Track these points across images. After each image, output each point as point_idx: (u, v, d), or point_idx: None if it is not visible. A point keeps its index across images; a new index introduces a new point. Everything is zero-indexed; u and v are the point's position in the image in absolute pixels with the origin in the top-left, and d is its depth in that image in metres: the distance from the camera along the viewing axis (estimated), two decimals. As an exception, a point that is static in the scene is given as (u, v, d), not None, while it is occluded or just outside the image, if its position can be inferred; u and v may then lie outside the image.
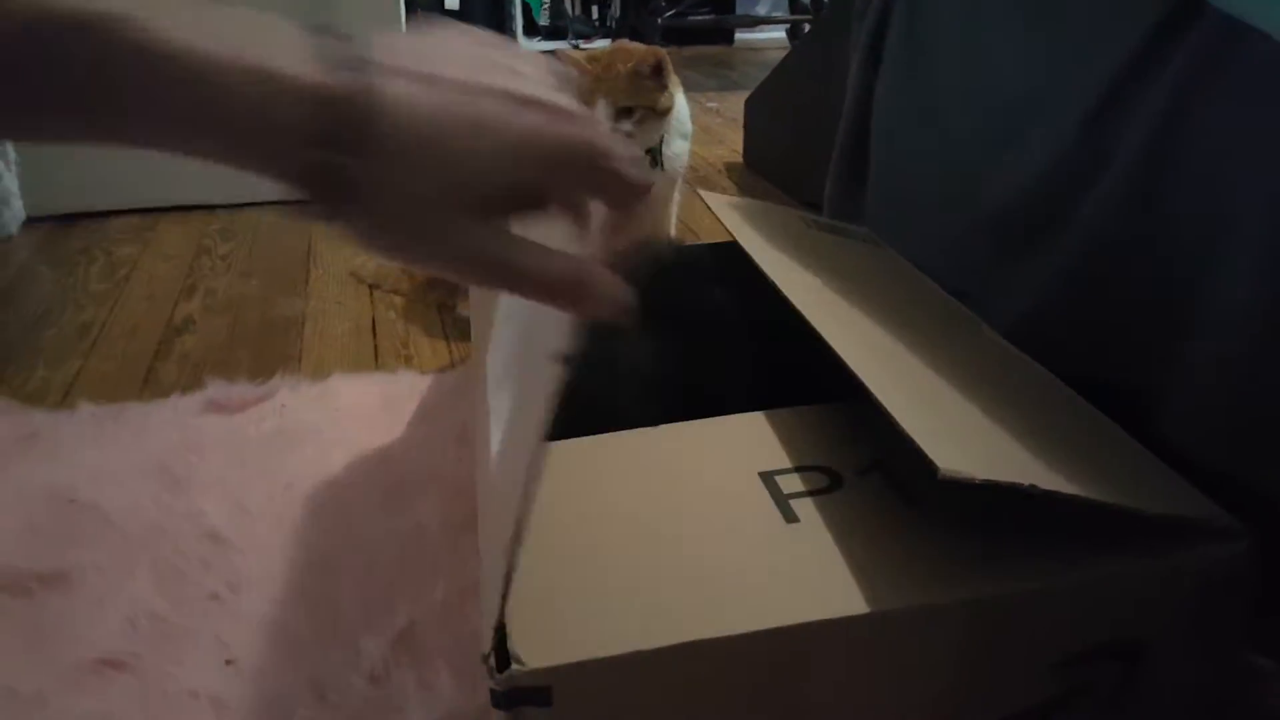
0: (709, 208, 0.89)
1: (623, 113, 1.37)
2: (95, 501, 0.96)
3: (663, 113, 1.41)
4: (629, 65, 1.37)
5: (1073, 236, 0.80)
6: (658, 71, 1.39)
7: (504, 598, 0.53)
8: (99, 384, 1.30)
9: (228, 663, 0.77)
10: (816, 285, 0.77)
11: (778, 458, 0.64)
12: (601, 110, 1.36)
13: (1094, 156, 0.77)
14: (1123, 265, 0.76)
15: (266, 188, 0.37)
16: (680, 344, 0.79)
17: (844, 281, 0.79)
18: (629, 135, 1.39)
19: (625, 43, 1.44)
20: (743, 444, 0.66)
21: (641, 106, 1.39)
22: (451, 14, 3.75)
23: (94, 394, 1.25)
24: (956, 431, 0.58)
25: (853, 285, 0.79)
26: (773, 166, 2.33)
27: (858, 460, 0.64)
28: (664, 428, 0.67)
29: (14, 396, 1.25)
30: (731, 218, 0.87)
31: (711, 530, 0.58)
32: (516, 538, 0.52)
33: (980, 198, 0.91)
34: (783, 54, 2.42)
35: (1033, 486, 0.52)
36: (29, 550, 0.89)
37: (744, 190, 2.26)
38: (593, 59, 1.38)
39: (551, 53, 1.31)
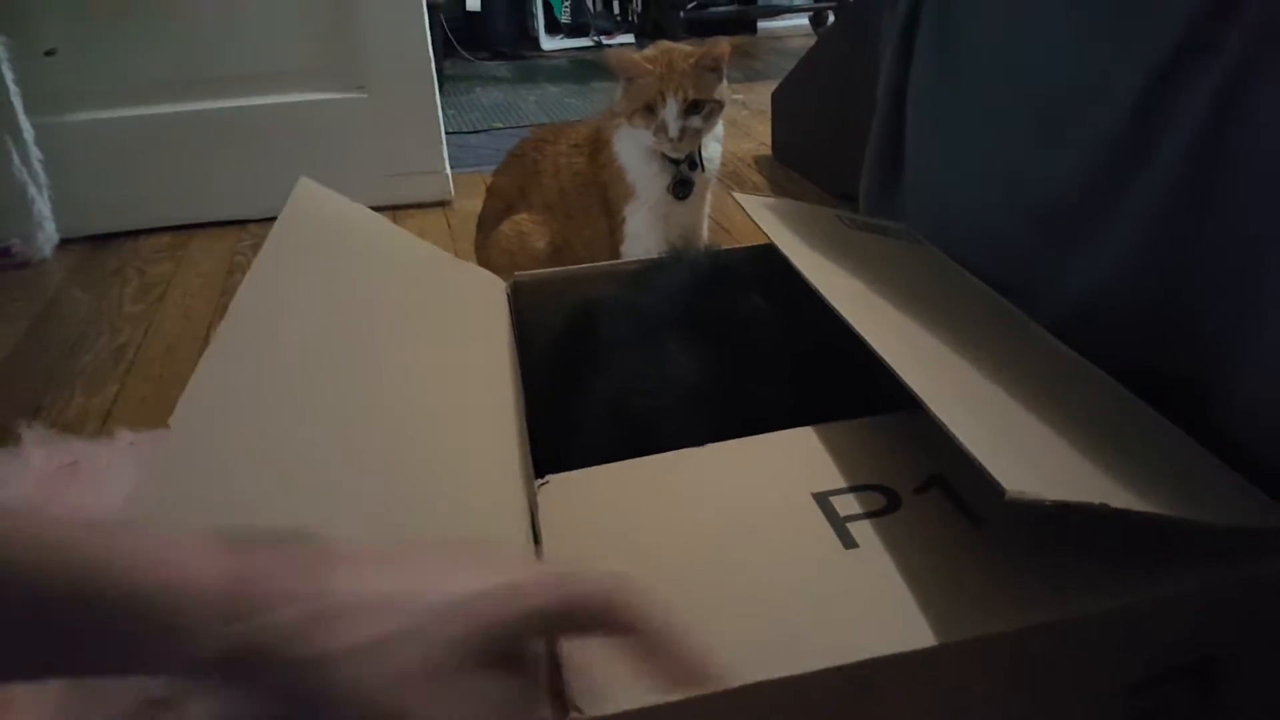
0: (745, 211, 0.87)
1: (692, 107, 1.35)
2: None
3: (723, 105, 1.40)
4: (692, 60, 1.35)
5: (1125, 226, 0.77)
6: (720, 62, 1.37)
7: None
8: (136, 409, 1.30)
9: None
10: (860, 289, 0.74)
11: (831, 477, 0.62)
12: (671, 108, 1.33)
13: (1146, 143, 0.74)
14: (1178, 255, 0.73)
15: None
16: (722, 356, 0.77)
17: (886, 283, 0.76)
18: (698, 131, 1.37)
19: (666, 43, 1.41)
20: (793, 463, 0.64)
21: (709, 100, 1.37)
22: (473, 15, 3.74)
23: (132, 419, 1.25)
24: (1018, 445, 0.56)
25: (896, 287, 0.76)
26: (803, 159, 2.30)
27: (915, 476, 0.62)
28: (709, 448, 0.65)
29: (53, 424, 1.25)
30: (768, 220, 0.85)
31: (767, 559, 0.56)
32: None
33: (1025, 189, 0.88)
34: (807, 42, 2.39)
35: (1104, 505, 0.49)
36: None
37: (774, 184, 2.23)
38: (650, 58, 1.36)
39: (599, 48, 1.29)
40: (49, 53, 1.86)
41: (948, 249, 0.93)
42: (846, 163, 1.35)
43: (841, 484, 0.61)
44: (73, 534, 0.35)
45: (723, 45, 1.36)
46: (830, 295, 0.68)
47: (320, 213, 0.81)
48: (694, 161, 1.40)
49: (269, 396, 0.61)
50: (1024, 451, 0.54)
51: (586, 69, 3.57)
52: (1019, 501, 0.47)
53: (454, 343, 0.79)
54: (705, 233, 1.51)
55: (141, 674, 0.37)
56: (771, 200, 0.95)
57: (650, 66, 1.34)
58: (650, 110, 1.34)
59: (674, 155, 1.37)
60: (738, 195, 0.90)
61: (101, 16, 1.88)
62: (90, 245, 1.93)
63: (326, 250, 0.78)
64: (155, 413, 1.27)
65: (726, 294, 0.84)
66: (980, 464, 0.48)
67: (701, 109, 1.36)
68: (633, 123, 1.35)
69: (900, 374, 0.57)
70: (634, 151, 1.37)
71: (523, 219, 1.39)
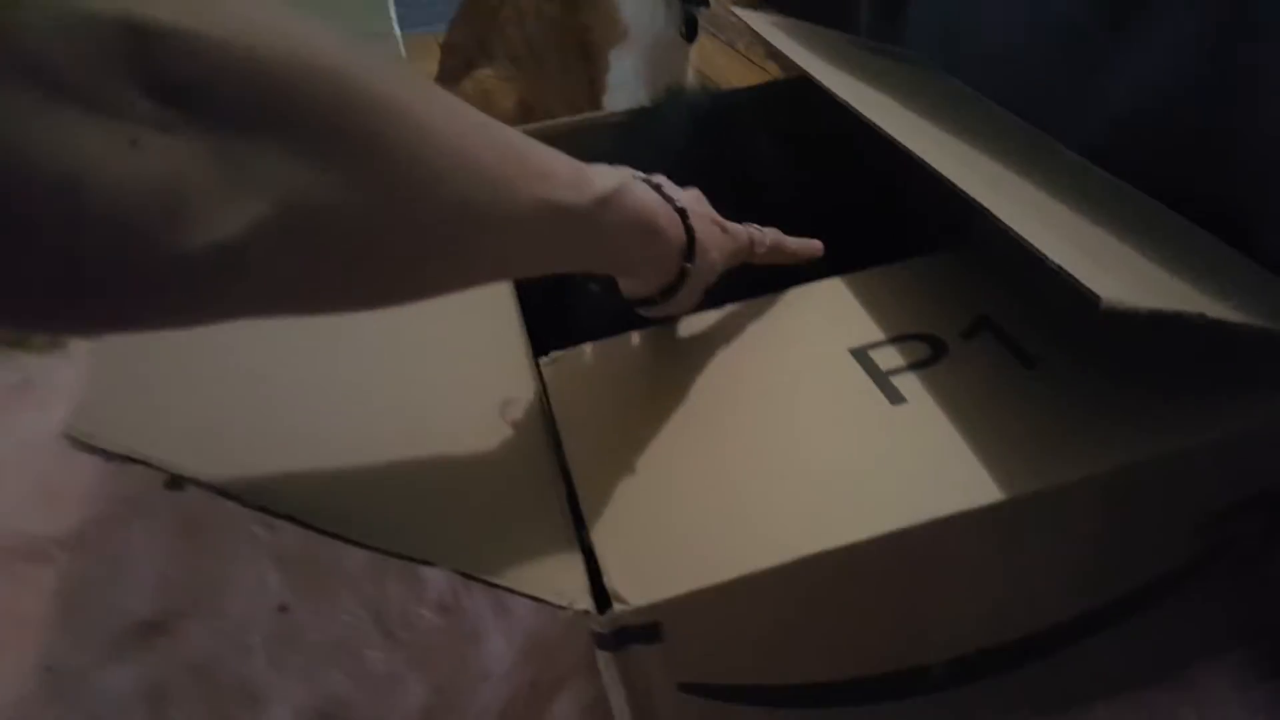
0: (752, 29, 0.78)
1: None
2: (102, 448, 0.88)
3: None
4: None
5: (1161, 43, 0.69)
6: None
7: (582, 528, 0.46)
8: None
9: (282, 609, 0.70)
10: (895, 108, 0.66)
11: (867, 330, 0.56)
12: None
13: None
14: (1219, 70, 0.65)
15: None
16: (733, 206, 0.70)
17: (917, 105, 0.68)
18: None
19: None
20: (824, 318, 0.58)
21: None
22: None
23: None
24: (1095, 256, 0.48)
25: (928, 109, 0.68)
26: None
27: (959, 321, 0.56)
28: (728, 310, 0.59)
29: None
30: (781, 40, 0.76)
31: (809, 423, 0.51)
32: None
33: (1046, 8, 0.81)
34: None
35: (1201, 315, 0.43)
36: (43, 513, 0.82)
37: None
38: None
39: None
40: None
41: (961, 78, 0.85)
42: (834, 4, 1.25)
43: (880, 336, 0.55)
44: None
45: None
46: (867, 111, 0.60)
47: None
48: None
49: None
50: (1103, 262, 0.47)
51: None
52: (1114, 311, 0.40)
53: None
54: (691, 81, 1.41)
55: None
56: (779, 19, 0.86)
57: None
58: None
59: None
60: (741, 12, 0.81)
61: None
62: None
63: None
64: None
65: (735, 140, 0.76)
66: (1068, 273, 0.41)
67: None
68: None
69: (957, 183, 0.50)
70: None
71: (486, 76, 1.29)
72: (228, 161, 0.27)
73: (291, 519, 0.37)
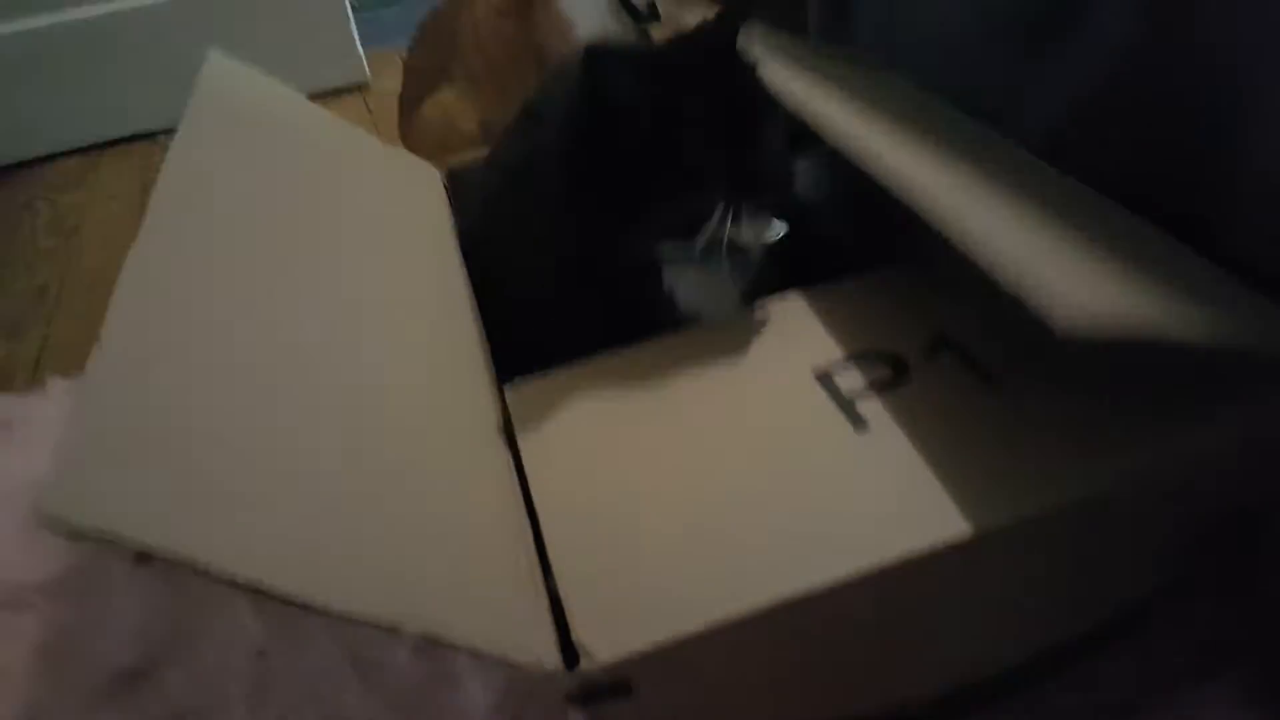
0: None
1: None
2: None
3: None
4: None
5: (1105, 29, 0.69)
6: None
7: (548, 574, 0.46)
8: (66, 353, 1.21)
9: (260, 654, 0.70)
10: (845, 115, 0.65)
11: (827, 349, 0.56)
12: None
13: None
14: (1165, 58, 0.66)
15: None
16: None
17: (867, 111, 0.68)
18: None
19: None
20: (786, 338, 0.58)
21: None
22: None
23: (63, 366, 1.16)
24: (1055, 277, 0.47)
25: (876, 114, 0.68)
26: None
27: (920, 337, 0.56)
28: (691, 331, 0.59)
29: (-22, 379, 1.16)
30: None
31: (774, 455, 0.51)
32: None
33: (991, 3, 0.81)
34: None
35: (1163, 337, 0.43)
36: (25, 559, 0.82)
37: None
38: None
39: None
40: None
41: (908, 71, 0.85)
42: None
43: (841, 355, 0.55)
44: None
45: None
46: (820, 121, 0.60)
47: (234, 95, 0.71)
48: (655, 10, 1.28)
49: (202, 316, 0.51)
50: (1060, 281, 0.46)
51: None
52: (1072, 339, 0.40)
53: (395, 241, 0.71)
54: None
55: None
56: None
57: None
58: None
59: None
60: None
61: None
62: (-6, 178, 1.80)
63: (246, 139, 0.68)
64: (86, 356, 1.19)
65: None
66: (1028, 299, 0.42)
67: None
68: None
69: (914, 201, 0.50)
70: (590, 2, 1.25)
71: (447, 98, 1.28)
72: None
73: (258, 591, 0.37)
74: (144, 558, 0.36)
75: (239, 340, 0.47)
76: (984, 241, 0.45)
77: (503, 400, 0.56)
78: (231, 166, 0.62)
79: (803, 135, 0.60)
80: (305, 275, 0.57)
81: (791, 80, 0.66)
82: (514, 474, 0.51)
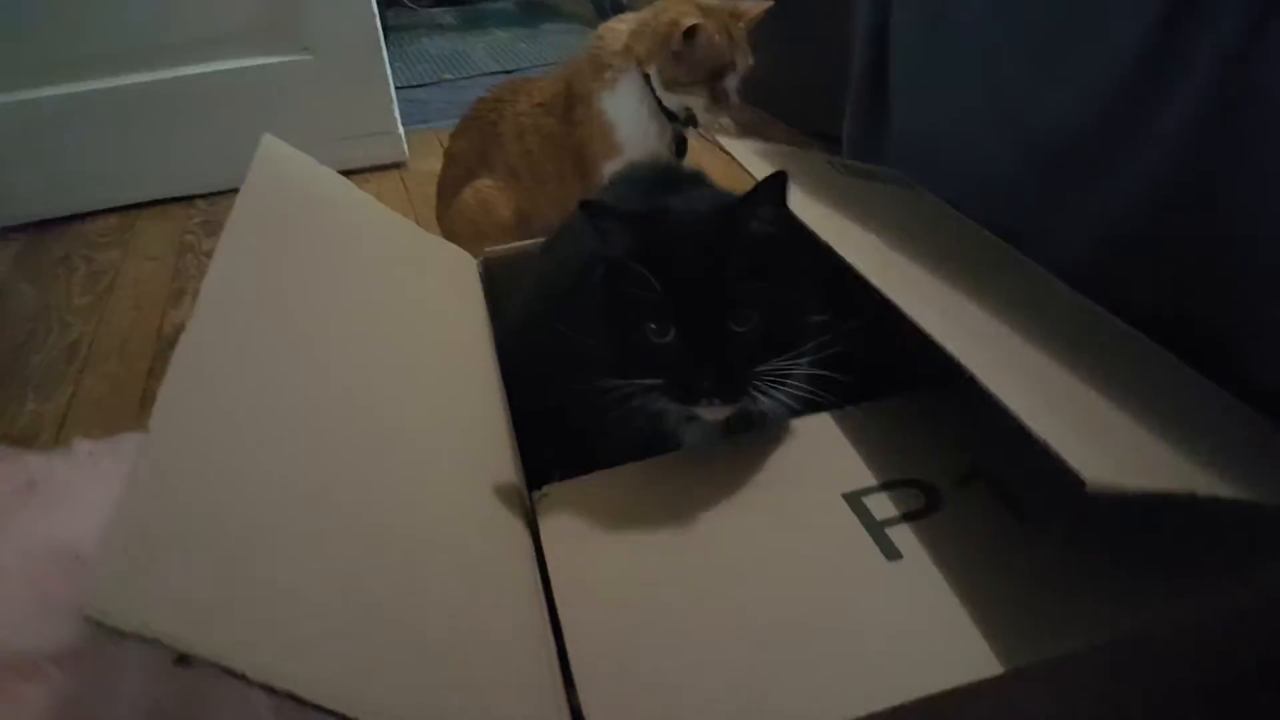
0: (736, 161, 0.79)
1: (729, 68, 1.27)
2: (102, 555, 0.88)
3: None
4: (742, 24, 1.27)
5: (1142, 164, 0.71)
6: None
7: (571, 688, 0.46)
8: (93, 411, 1.22)
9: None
10: (874, 244, 0.67)
11: (860, 473, 0.56)
12: (733, 79, 1.26)
13: (1162, 74, 0.68)
14: (1203, 193, 0.67)
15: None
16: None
17: (894, 234, 0.69)
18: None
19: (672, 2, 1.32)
20: (816, 458, 0.58)
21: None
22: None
23: (88, 424, 1.17)
24: (1081, 422, 0.49)
25: (904, 238, 0.69)
26: (771, 97, 2.21)
27: (953, 467, 0.56)
28: (724, 447, 0.59)
29: (5, 435, 1.17)
30: (761, 169, 0.77)
31: (805, 581, 0.51)
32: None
33: (1026, 126, 0.82)
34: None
35: (1192, 494, 0.44)
36: (39, 625, 0.82)
37: (742, 125, 2.15)
38: (712, 29, 1.26)
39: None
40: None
41: (942, 194, 0.87)
42: (818, 100, 1.26)
43: (873, 481, 0.56)
44: None
45: (766, 4, 1.29)
46: (847, 254, 0.61)
47: (285, 181, 0.73)
48: (693, 119, 1.32)
49: (249, 401, 0.52)
50: (1089, 430, 0.48)
51: (535, 11, 3.44)
52: (1101, 493, 0.41)
53: (433, 334, 0.72)
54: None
55: None
56: (760, 145, 0.87)
57: (720, 38, 1.25)
58: (716, 77, 1.26)
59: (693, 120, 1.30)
60: (726, 141, 0.83)
61: (25, -9, 1.77)
62: (33, 233, 1.83)
63: (295, 226, 0.69)
64: (113, 415, 1.20)
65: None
66: (1058, 454, 0.42)
67: (737, 70, 1.28)
68: (688, 90, 1.27)
69: (947, 346, 0.50)
70: (632, 107, 1.28)
71: (485, 185, 1.31)
72: None
73: (292, 697, 0.37)
74: (184, 659, 0.37)
75: (283, 438, 0.48)
76: (1016, 396, 0.46)
77: (531, 505, 0.56)
78: (279, 254, 0.63)
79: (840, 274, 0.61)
80: (347, 368, 0.58)
81: (824, 219, 0.67)
82: (540, 585, 0.51)
